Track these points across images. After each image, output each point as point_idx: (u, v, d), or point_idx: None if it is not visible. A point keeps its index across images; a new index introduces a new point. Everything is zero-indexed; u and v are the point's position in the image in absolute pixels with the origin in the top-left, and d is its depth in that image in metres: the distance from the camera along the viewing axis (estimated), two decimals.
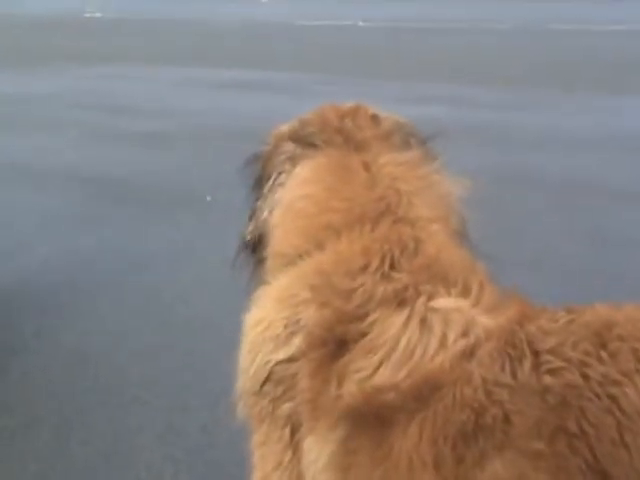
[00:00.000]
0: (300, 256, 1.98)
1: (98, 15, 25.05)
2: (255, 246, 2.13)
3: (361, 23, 22.69)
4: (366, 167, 2.06)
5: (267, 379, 1.92)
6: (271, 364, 1.92)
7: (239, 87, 13.49)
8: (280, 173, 2.09)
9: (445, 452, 1.67)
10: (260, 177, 2.18)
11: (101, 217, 6.82)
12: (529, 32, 20.51)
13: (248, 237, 2.13)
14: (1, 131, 10.18)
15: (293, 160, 2.08)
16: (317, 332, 1.86)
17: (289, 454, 1.91)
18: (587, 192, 7.45)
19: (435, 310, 1.82)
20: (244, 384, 1.99)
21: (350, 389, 1.77)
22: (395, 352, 1.77)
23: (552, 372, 1.65)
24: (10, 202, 7.23)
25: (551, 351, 1.68)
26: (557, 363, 1.66)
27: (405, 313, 1.82)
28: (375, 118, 2.20)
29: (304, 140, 2.10)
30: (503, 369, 1.69)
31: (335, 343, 1.83)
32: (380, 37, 20.09)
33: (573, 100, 12.19)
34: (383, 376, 1.75)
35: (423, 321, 1.80)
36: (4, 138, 9.86)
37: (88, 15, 25.25)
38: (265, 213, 2.06)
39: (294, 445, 1.90)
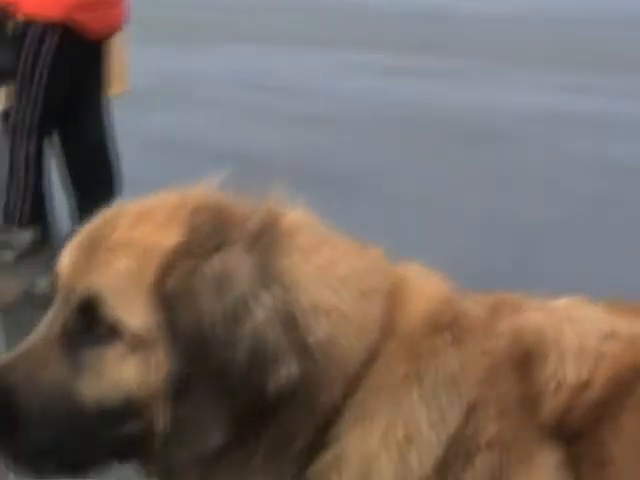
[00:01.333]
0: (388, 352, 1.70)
1: None
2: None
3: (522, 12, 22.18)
4: (326, 239, 1.85)
5: None
6: (435, 460, 1.65)
7: (398, 73, 13.36)
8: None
9: None
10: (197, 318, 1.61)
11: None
12: None
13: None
14: (161, 108, 10.41)
15: (261, 260, 1.67)
16: (473, 376, 1.69)
17: None
18: None
19: (569, 309, 1.78)
20: None
21: (553, 404, 1.67)
22: (567, 352, 1.70)
23: None
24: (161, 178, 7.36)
25: None
26: None
27: (537, 315, 1.75)
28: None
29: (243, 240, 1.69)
30: None
31: (513, 363, 1.70)
32: (540, 26, 19.56)
33: None
34: (573, 376, 1.68)
35: (570, 319, 1.75)
36: (162, 114, 10.08)
37: None
38: (293, 369, 1.60)
39: None
